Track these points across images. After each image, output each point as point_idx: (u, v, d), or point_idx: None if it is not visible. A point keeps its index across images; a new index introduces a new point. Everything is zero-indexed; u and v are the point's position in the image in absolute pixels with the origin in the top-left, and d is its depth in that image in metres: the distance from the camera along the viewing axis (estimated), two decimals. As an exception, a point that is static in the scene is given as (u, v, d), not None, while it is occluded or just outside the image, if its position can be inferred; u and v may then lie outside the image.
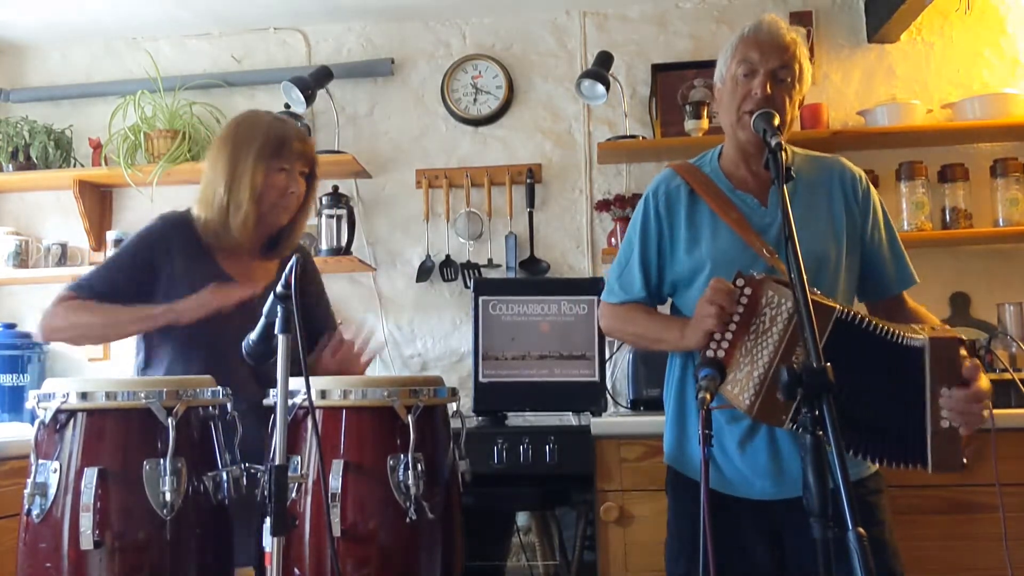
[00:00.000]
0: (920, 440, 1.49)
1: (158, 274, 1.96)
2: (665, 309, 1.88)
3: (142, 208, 3.38)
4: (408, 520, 1.56)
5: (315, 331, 2.06)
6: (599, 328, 2.67)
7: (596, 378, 2.70)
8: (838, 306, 1.48)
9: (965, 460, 1.50)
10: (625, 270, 1.84)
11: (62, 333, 1.96)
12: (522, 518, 2.79)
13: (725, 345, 1.54)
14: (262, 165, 1.96)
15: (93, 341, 1.90)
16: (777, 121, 1.58)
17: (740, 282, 1.55)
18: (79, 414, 1.52)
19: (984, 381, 1.49)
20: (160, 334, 1.96)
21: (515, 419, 2.71)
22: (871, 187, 1.79)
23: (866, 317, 1.50)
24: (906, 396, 1.50)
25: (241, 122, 2.05)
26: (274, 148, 1.97)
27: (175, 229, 2.01)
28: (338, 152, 3.19)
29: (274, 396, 1.51)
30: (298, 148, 2.01)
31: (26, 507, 1.51)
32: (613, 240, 3.13)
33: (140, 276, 1.96)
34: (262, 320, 1.54)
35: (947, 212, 2.98)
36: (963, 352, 1.50)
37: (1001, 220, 2.94)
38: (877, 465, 1.64)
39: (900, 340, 1.49)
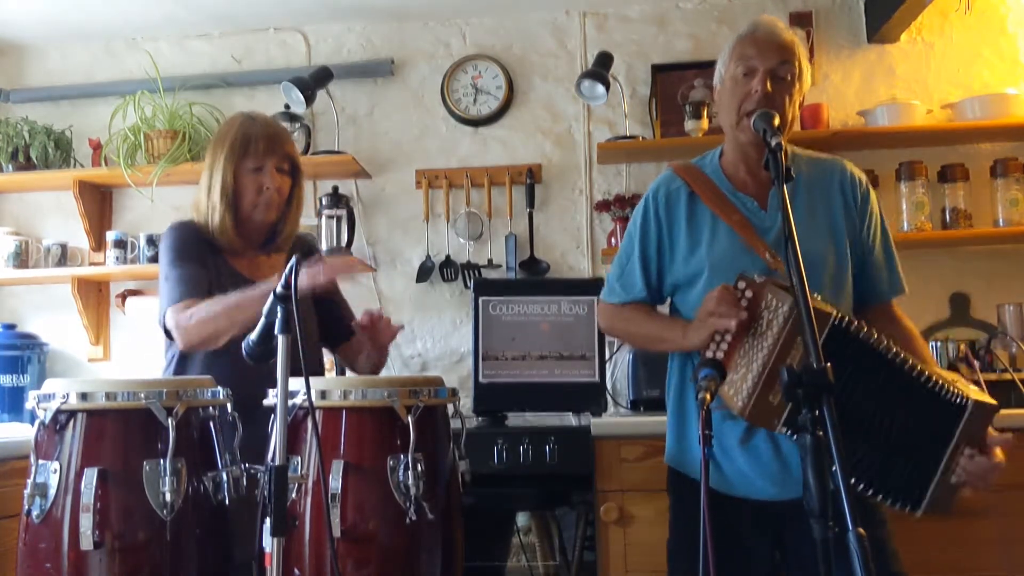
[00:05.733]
0: (923, 483, 1.50)
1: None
2: (663, 309, 1.88)
3: (142, 208, 3.38)
4: (408, 520, 1.56)
5: (332, 317, 2.16)
6: (599, 328, 2.68)
7: (596, 378, 2.70)
8: (835, 312, 1.48)
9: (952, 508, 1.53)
10: (626, 270, 1.84)
11: (207, 327, 1.88)
12: (522, 518, 2.78)
13: (724, 347, 1.55)
14: (231, 166, 2.01)
15: (228, 332, 1.86)
16: (777, 121, 1.57)
17: (742, 284, 1.56)
18: (79, 414, 1.52)
19: (1001, 454, 1.51)
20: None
21: (515, 419, 2.71)
22: (871, 191, 1.79)
23: (864, 326, 1.50)
24: (919, 437, 1.50)
25: (221, 126, 2.12)
26: (241, 148, 2.01)
27: (189, 233, 2.05)
28: (338, 152, 3.19)
29: (274, 396, 1.51)
30: (265, 145, 2.01)
31: (26, 507, 1.51)
32: (613, 240, 3.13)
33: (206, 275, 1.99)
34: (262, 320, 1.54)
35: (947, 212, 2.98)
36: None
37: (1001, 220, 2.94)
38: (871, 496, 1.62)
39: (939, 389, 1.48)
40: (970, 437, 1.48)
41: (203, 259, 2.01)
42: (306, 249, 2.19)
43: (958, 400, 1.48)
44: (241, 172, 2.01)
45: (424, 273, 3.23)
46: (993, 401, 1.52)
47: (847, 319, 1.49)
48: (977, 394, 1.51)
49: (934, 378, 1.49)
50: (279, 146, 2.04)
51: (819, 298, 1.49)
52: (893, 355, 1.49)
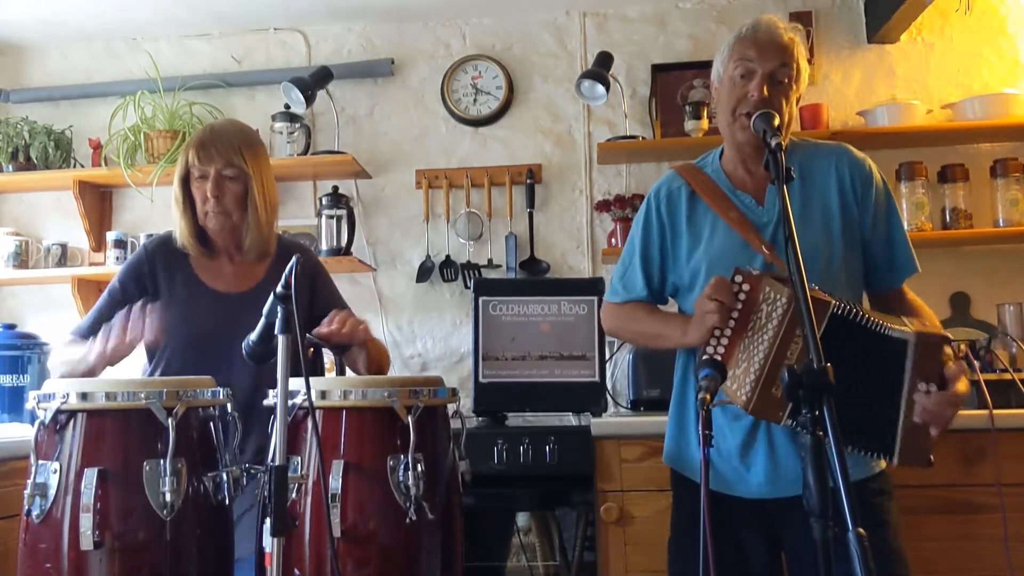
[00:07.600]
0: (890, 432, 1.49)
1: (152, 298, 2.02)
2: (668, 309, 1.88)
3: (142, 208, 3.38)
4: (408, 520, 1.56)
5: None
6: (599, 328, 2.68)
7: (596, 378, 2.70)
8: (834, 300, 1.48)
9: (932, 458, 1.50)
10: (628, 270, 1.85)
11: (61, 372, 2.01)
12: (522, 518, 2.78)
13: (724, 342, 1.55)
14: (180, 176, 2.03)
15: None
16: (777, 122, 1.57)
17: (738, 278, 1.56)
18: (79, 414, 1.52)
19: (963, 384, 1.48)
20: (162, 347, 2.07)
21: (515, 419, 2.71)
22: (875, 174, 1.75)
23: (863, 311, 1.50)
24: (884, 387, 1.49)
25: None
26: (188, 158, 2.02)
27: (156, 252, 2.08)
28: (338, 152, 3.19)
29: (274, 396, 1.51)
30: (206, 153, 1.99)
31: (26, 507, 1.51)
32: (613, 240, 3.13)
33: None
34: (262, 320, 1.54)
35: (947, 212, 2.98)
36: (948, 351, 1.50)
37: (1001, 220, 2.94)
38: (851, 450, 1.62)
39: (886, 331, 1.49)
40: (924, 372, 1.47)
41: (141, 284, 2.04)
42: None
43: (901, 335, 1.47)
44: (191, 182, 2.02)
45: (424, 273, 3.23)
46: (941, 331, 1.52)
47: (846, 306, 1.48)
48: (923, 327, 1.50)
49: (878, 320, 1.48)
50: (224, 152, 1.98)
51: (816, 288, 1.48)
52: (880, 326, 1.48)
